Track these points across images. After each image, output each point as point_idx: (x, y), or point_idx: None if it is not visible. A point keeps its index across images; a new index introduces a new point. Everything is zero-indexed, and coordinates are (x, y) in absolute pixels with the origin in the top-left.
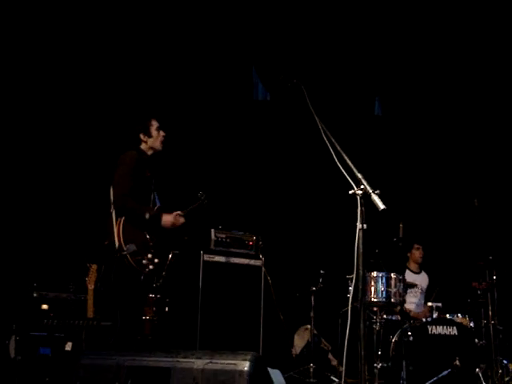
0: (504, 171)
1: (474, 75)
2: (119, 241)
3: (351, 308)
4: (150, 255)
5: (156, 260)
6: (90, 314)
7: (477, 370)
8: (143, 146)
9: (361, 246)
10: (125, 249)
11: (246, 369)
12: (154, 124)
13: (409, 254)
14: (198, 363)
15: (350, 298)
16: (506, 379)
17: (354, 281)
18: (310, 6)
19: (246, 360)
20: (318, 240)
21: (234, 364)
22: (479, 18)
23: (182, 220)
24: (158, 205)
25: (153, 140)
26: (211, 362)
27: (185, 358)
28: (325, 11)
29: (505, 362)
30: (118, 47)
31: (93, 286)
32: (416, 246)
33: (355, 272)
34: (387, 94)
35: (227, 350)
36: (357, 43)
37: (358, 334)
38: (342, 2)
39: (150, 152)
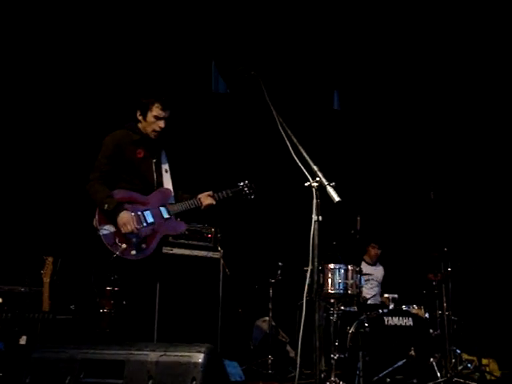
0: (459, 164)
1: (431, 68)
2: (95, 221)
3: (309, 300)
4: (134, 239)
5: (143, 245)
6: (46, 307)
7: (431, 359)
8: (140, 125)
9: (316, 238)
10: (99, 229)
11: (200, 361)
12: (155, 110)
13: (366, 248)
14: (152, 356)
15: (305, 290)
16: (459, 368)
17: (308, 272)
18: None
19: (200, 352)
20: (277, 232)
21: (189, 356)
22: (436, 12)
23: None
24: (164, 187)
25: (146, 124)
26: (165, 355)
27: (139, 350)
28: (284, 4)
29: (458, 351)
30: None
31: (48, 279)
32: (372, 244)
33: (310, 264)
34: (346, 88)
35: (185, 343)
36: (316, 37)
37: (318, 325)
38: None
39: (145, 132)
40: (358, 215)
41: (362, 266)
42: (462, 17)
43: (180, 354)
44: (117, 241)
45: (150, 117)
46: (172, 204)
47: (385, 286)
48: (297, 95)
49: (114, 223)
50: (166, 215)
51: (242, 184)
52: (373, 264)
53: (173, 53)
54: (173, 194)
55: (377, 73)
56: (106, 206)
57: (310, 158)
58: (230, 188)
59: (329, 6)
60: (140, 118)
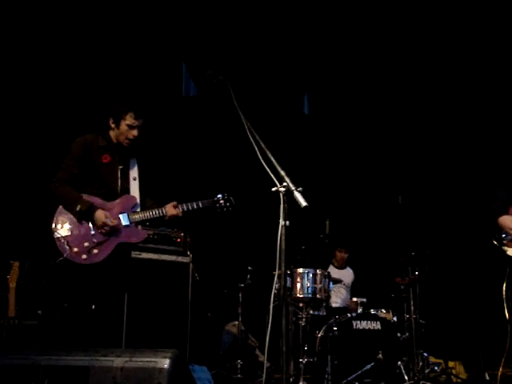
0: (426, 169)
1: (399, 73)
2: (51, 224)
3: (277, 304)
4: (86, 243)
5: (95, 251)
6: (12, 312)
7: (399, 363)
8: (111, 132)
9: (283, 243)
10: (54, 232)
11: (165, 366)
12: (129, 119)
13: (334, 252)
14: (118, 361)
15: (272, 294)
16: (427, 371)
17: (275, 277)
18: (240, 3)
19: (165, 357)
20: (246, 237)
21: (154, 362)
22: (406, 17)
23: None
24: (130, 195)
25: (119, 133)
26: (131, 360)
27: (104, 356)
28: (255, 8)
29: (425, 354)
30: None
31: (15, 284)
32: (339, 248)
33: (277, 268)
34: (316, 93)
35: (154, 348)
36: (286, 43)
37: (285, 330)
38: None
39: (116, 141)
40: (326, 219)
41: (330, 270)
42: (430, 22)
43: (146, 359)
44: (68, 244)
45: (123, 125)
46: (135, 212)
47: (353, 289)
48: (267, 100)
49: (74, 224)
50: (125, 222)
51: (219, 196)
52: (341, 268)
53: (143, 56)
54: (138, 201)
55: (346, 77)
56: (79, 206)
57: (278, 162)
58: (203, 199)
59: (298, 10)
60: (113, 125)
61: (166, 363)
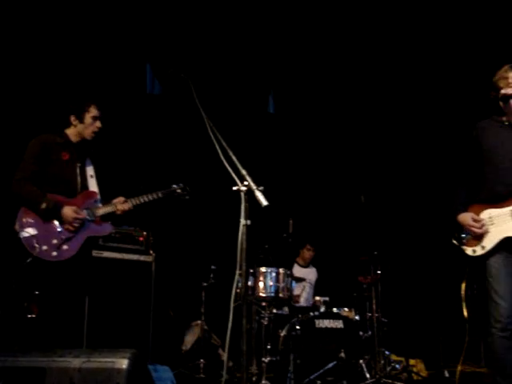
0: (389, 169)
1: (362, 71)
2: (16, 224)
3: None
4: (54, 241)
5: (65, 247)
6: None
7: (360, 361)
8: (69, 131)
9: (244, 242)
10: (19, 231)
11: (124, 366)
12: (93, 111)
13: (300, 251)
14: (75, 362)
15: (233, 294)
16: (388, 369)
17: (236, 276)
18: (205, 2)
19: (124, 358)
20: (209, 235)
21: (112, 362)
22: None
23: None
24: (90, 190)
25: (83, 127)
26: (89, 361)
27: (61, 357)
28: (220, 8)
29: (387, 352)
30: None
31: None
32: (308, 246)
33: (238, 267)
34: (281, 93)
35: (116, 348)
36: (252, 42)
37: (247, 329)
38: None
39: (76, 138)
40: (290, 219)
41: (294, 269)
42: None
43: (104, 359)
44: (37, 243)
45: (87, 118)
46: (97, 207)
47: (316, 288)
48: (233, 99)
49: (40, 223)
50: (89, 217)
51: (175, 186)
52: (306, 266)
53: (107, 54)
54: (99, 196)
55: (312, 77)
56: (44, 204)
57: (240, 161)
58: (161, 189)
59: (263, 10)
60: (75, 122)
61: (124, 363)
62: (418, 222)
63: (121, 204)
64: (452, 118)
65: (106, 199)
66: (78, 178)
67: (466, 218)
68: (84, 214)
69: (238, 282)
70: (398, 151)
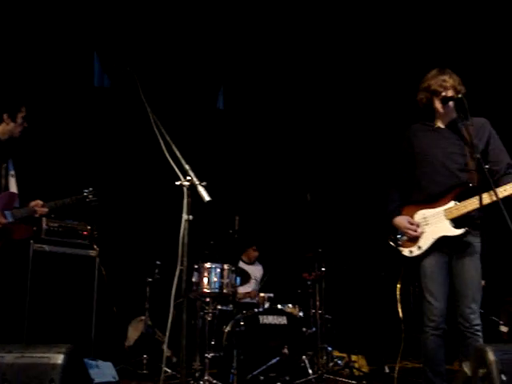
0: (335, 168)
1: (311, 72)
2: None
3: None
4: None
5: None
6: None
7: (303, 357)
8: (3, 128)
9: (186, 237)
10: None
11: (59, 362)
12: (23, 111)
13: (246, 250)
14: (8, 358)
15: (174, 289)
16: (330, 365)
17: (177, 272)
18: None
19: (59, 353)
20: (155, 230)
21: (47, 357)
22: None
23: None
24: (10, 191)
25: (14, 126)
26: (23, 356)
27: None
28: (171, 2)
29: (330, 348)
30: None
31: None
32: (254, 247)
33: (179, 263)
34: (231, 89)
35: (56, 343)
36: (202, 37)
37: (191, 325)
38: None
39: (4, 136)
40: (236, 215)
41: (240, 265)
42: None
43: (38, 355)
44: None
45: (19, 118)
46: (17, 208)
47: (261, 284)
48: (181, 94)
49: None
50: (10, 219)
51: (86, 191)
52: (251, 263)
53: (53, 46)
54: (18, 198)
55: (262, 74)
56: None
57: (185, 157)
58: (73, 195)
59: (213, 5)
60: (8, 120)
61: (59, 359)
62: (361, 221)
63: (39, 208)
64: (389, 120)
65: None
66: (2, 180)
67: (401, 221)
68: (3, 220)
69: (181, 277)
70: (343, 151)
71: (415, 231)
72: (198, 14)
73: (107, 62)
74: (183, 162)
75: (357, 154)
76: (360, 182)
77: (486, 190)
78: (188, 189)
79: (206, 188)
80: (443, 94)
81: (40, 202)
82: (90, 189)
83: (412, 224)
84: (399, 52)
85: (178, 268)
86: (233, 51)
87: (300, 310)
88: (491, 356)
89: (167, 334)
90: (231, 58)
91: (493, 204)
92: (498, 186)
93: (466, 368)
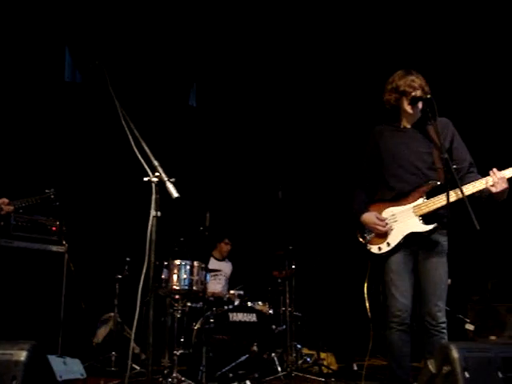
0: (307, 165)
1: (283, 70)
2: None
3: (154, 296)
4: None
5: None
6: None
7: (273, 354)
8: None
9: (154, 234)
10: None
11: (22, 359)
12: None
13: (218, 244)
14: None
15: (141, 286)
16: (299, 362)
17: (144, 269)
18: None
19: (22, 350)
20: (125, 227)
21: (10, 354)
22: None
23: None
24: None
25: None
26: None
27: None
28: None
29: (299, 346)
30: None
31: None
32: (226, 240)
33: (146, 259)
34: (203, 86)
35: (22, 340)
36: (174, 34)
37: (160, 322)
38: None
39: None
40: (207, 212)
41: (210, 262)
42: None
43: (1, 352)
44: None
45: None
46: None
47: (231, 282)
48: (154, 91)
49: None
50: None
51: (48, 191)
52: (222, 260)
53: (24, 39)
54: None
55: (233, 70)
56: None
57: (155, 153)
58: (36, 195)
59: (187, 2)
60: None
61: (22, 356)
62: (331, 219)
63: (5, 206)
64: (359, 119)
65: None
66: None
67: (370, 217)
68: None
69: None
70: (315, 149)
71: (384, 227)
72: (170, 11)
73: (78, 56)
74: (152, 158)
75: (328, 152)
76: (331, 180)
77: (453, 188)
78: (156, 185)
79: (177, 184)
80: (413, 94)
81: (6, 200)
82: (52, 189)
83: (380, 220)
84: (366, 54)
85: (146, 264)
86: (206, 48)
87: (270, 308)
88: (455, 353)
89: (133, 330)
90: (204, 55)
91: (459, 203)
92: (462, 184)
93: (431, 365)
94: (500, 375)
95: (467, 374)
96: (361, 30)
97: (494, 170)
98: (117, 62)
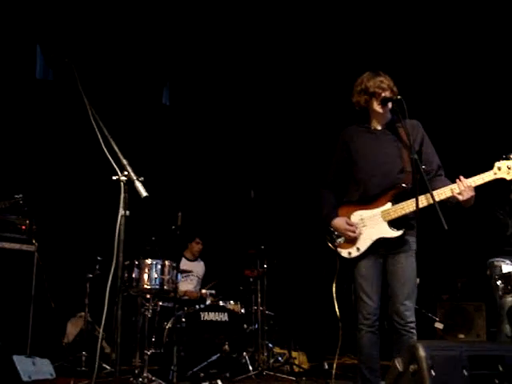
0: (279, 165)
1: (255, 69)
2: None
3: (126, 295)
4: None
5: None
6: None
7: (244, 353)
8: None
9: (122, 233)
10: None
11: None
12: None
13: (189, 244)
14: None
15: (108, 285)
16: (271, 361)
17: (112, 268)
18: None
19: None
20: (96, 226)
21: None
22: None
23: None
24: None
25: None
26: None
27: None
28: None
29: (270, 345)
30: None
31: None
32: (197, 240)
33: (115, 259)
34: (176, 84)
35: None
36: (147, 32)
37: (132, 322)
38: None
39: None
40: (179, 211)
41: (182, 262)
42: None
43: None
44: None
45: None
46: None
47: (203, 281)
48: (126, 89)
49: None
50: None
51: (17, 196)
52: (193, 260)
53: None
54: None
55: (206, 69)
56: None
57: (127, 152)
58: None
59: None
60: None
61: None
62: (303, 219)
63: None
64: (330, 119)
65: None
66: None
67: (340, 222)
68: None
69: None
70: (287, 149)
71: (354, 232)
72: (143, 9)
73: (50, 54)
74: (121, 156)
75: (300, 151)
76: (303, 179)
77: (421, 192)
78: (125, 184)
79: (149, 184)
80: (383, 95)
81: None
82: (20, 195)
83: (350, 225)
84: (333, 55)
85: (114, 264)
86: (179, 46)
87: (242, 307)
88: (421, 352)
89: (101, 329)
90: (178, 53)
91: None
92: (432, 188)
93: (398, 364)
94: (465, 373)
95: (433, 373)
96: (328, 32)
97: (461, 177)
98: (90, 61)
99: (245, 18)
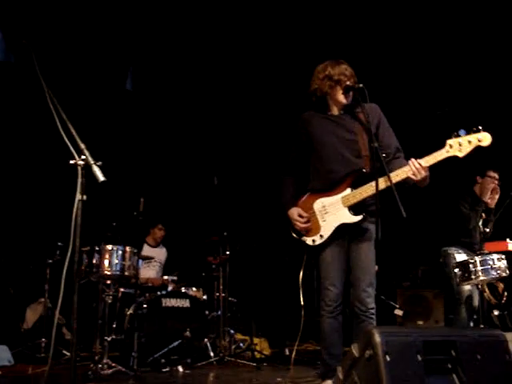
0: (243, 151)
1: (219, 56)
2: None
3: (87, 281)
4: None
5: None
6: None
7: (205, 340)
8: None
9: (79, 218)
10: None
11: None
12: None
13: (151, 230)
14: None
15: (64, 271)
16: (233, 348)
17: (68, 253)
18: None
19: None
20: (57, 211)
21: None
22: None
23: None
24: None
25: None
26: None
27: None
28: None
29: (232, 331)
30: None
31: None
32: (160, 226)
33: (71, 244)
34: (140, 69)
35: None
36: (111, 17)
37: (92, 308)
38: None
39: None
40: (141, 197)
41: (144, 248)
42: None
43: None
44: None
45: None
46: None
47: (165, 268)
48: (89, 74)
49: None
50: None
51: None
52: (156, 246)
53: None
54: None
55: (172, 54)
56: None
57: (89, 137)
58: None
59: None
60: None
61: None
62: (266, 205)
63: None
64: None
65: None
66: None
67: (292, 213)
68: None
69: (82, 259)
70: (250, 136)
71: (303, 223)
72: None
73: (10, 36)
74: (79, 140)
75: (264, 138)
76: (266, 166)
77: (380, 176)
78: (82, 168)
79: (111, 169)
80: (347, 82)
81: None
82: None
83: (301, 216)
84: (291, 44)
85: (70, 249)
86: (143, 32)
87: (204, 294)
88: (377, 338)
89: (56, 314)
90: (142, 38)
91: (386, 191)
92: (390, 170)
93: (354, 350)
94: (419, 358)
95: (388, 358)
96: (285, 23)
97: (412, 159)
98: (52, 45)
99: (205, 5)
